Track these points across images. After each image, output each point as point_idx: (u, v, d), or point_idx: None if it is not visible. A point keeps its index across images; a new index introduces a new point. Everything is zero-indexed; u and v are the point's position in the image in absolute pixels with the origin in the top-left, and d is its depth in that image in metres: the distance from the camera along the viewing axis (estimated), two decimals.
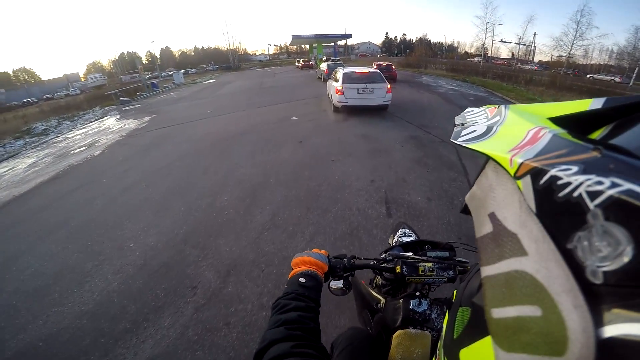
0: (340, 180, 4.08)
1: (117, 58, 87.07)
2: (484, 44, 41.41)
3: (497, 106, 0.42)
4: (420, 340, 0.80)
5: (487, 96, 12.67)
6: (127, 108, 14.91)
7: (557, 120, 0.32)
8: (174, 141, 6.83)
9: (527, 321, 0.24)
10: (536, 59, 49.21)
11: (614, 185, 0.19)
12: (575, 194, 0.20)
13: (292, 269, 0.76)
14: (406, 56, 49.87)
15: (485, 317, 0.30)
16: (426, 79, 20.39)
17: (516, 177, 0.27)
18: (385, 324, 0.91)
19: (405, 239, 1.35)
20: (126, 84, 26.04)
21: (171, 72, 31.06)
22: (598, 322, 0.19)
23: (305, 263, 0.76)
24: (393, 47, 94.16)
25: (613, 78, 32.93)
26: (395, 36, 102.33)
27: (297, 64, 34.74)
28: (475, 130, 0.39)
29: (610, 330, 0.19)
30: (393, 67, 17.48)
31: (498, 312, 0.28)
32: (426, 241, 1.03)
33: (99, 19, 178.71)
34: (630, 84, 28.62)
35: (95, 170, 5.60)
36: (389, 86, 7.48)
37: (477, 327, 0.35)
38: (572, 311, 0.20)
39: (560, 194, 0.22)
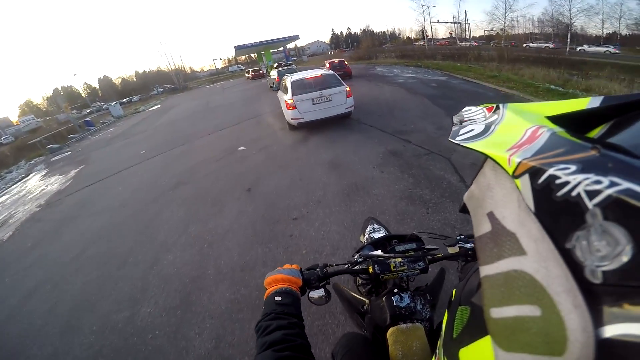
0: (308, 257, 2.76)
1: (51, 94, 79.80)
2: (423, 28, 42.47)
3: (495, 105, 0.42)
4: (414, 333, 0.80)
5: (447, 80, 12.02)
6: (56, 158, 12.91)
7: (555, 119, 0.31)
8: (92, 211, 5.24)
9: (526, 321, 0.24)
10: (472, 35, 51.30)
11: (612, 184, 0.19)
12: (574, 193, 0.20)
13: (267, 289, 0.75)
14: (355, 49, 49.72)
15: (485, 316, 0.29)
16: (380, 69, 19.76)
17: (514, 176, 0.27)
18: (376, 324, 0.90)
19: (376, 235, 1.32)
20: (64, 123, 22.68)
21: (106, 105, 27.85)
22: (597, 322, 0.19)
23: (278, 281, 0.76)
24: (341, 42, 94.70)
25: (547, 45, 34.49)
26: (341, 31, 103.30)
27: (246, 74, 32.85)
28: (473, 129, 0.38)
29: (610, 330, 0.19)
30: (346, 63, 16.58)
31: (497, 312, 0.28)
32: (393, 236, 1.02)
33: (28, 54, 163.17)
34: (568, 49, 30.23)
35: None
36: (347, 88, 6.25)
37: (477, 327, 0.34)
38: (571, 311, 0.20)
39: (559, 193, 0.22)
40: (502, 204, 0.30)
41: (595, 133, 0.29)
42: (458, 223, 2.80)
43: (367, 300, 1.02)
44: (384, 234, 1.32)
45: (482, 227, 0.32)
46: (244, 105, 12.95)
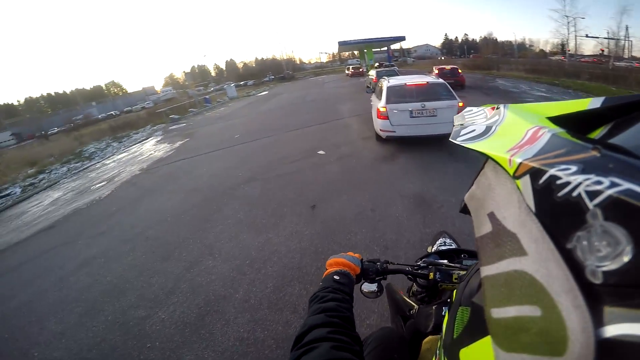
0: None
1: (189, 71, 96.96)
2: (567, 40, 34.95)
3: (496, 105, 0.42)
4: None
5: None
6: (173, 127, 15.17)
7: (556, 120, 0.32)
8: (173, 187, 5.63)
9: (526, 321, 0.24)
10: (631, 55, 39.58)
11: (613, 184, 0.19)
12: (575, 193, 0.20)
13: (326, 269, 0.79)
14: (472, 57, 44.45)
15: (485, 317, 0.30)
16: (502, 82, 16.90)
17: (515, 176, 0.27)
18: (416, 330, 0.90)
19: (443, 248, 1.31)
20: (191, 97, 26.96)
21: (229, 85, 31.66)
22: (598, 322, 0.19)
23: (339, 264, 0.80)
24: (454, 49, 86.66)
25: None
26: (456, 37, 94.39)
27: (347, 71, 32.92)
28: (474, 130, 0.39)
29: (610, 330, 0.19)
30: (460, 71, 14.56)
31: (498, 312, 0.28)
32: (463, 250, 1.01)
33: (176, 35, 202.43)
34: None
35: (78, 226, 4.84)
36: (460, 103, 5.03)
37: (477, 327, 0.35)
38: (571, 311, 0.20)
39: (560, 194, 0.22)
40: (502, 204, 0.30)
41: (596, 134, 0.29)
42: None
43: (416, 306, 1.00)
44: (453, 247, 1.30)
45: (483, 228, 0.33)
46: (336, 103, 12.68)
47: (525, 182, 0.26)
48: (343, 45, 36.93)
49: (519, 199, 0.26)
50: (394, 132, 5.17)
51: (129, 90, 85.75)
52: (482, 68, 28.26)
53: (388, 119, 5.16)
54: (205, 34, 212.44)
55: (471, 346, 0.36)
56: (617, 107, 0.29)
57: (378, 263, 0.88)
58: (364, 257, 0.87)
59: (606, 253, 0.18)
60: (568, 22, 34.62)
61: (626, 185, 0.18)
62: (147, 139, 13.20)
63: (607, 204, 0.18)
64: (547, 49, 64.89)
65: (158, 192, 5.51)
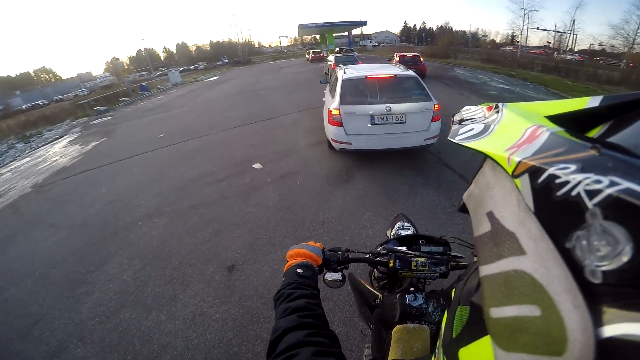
0: None
1: (134, 55, 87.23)
2: (521, 32, 36.44)
3: (494, 104, 0.41)
4: (419, 334, 0.81)
5: None
6: (95, 121, 12.81)
7: (554, 119, 0.31)
8: (57, 219, 4.05)
9: (526, 321, 0.24)
10: (575, 48, 42.73)
11: (612, 183, 0.19)
12: (574, 192, 0.20)
13: (287, 262, 0.76)
14: (429, 45, 44.76)
15: (484, 316, 0.29)
16: (461, 72, 16.45)
17: (514, 175, 0.27)
18: (384, 320, 0.91)
19: (404, 232, 1.30)
20: (132, 82, 23.21)
21: (171, 70, 28.28)
22: (597, 322, 0.19)
23: (300, 255, 0.77)
24: (413, 36, 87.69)
25: None
26: (414, 24, 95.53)
27: (307, 56, 31.21)
28: (472, 129, 0.38)
29: (610, 330, 0.19)
30: (421, 59, 13.66)
31: (497, 312, 0.27)
32: (421, 236, 0.98)
33: (117, 16, 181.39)
34: None
35: None
36: (436, 105, 3.77)
37: (476, 326, 0.34)
38: (571, 311, 0.20)
39: (559, 193, 0.22)
40: (501, 203, 0.29)
41: (594, 132, 0.29)
42: None
43: (380, 295, 1.01)
44: (412, 232, 1.27)
45: (481, 227, 0.32)
46: (289, 93, 11.16)
47: (524, 181, 0.25)
48: (303, 28, 35.14)
49: (517, 198, 0.26)
50: (350, 143, 3.81)
51: (64, 77, 75.52)
52: (440, 56, 28.17)
53: (342, 125, 3.78)
54: (155, 16, 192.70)
55: (470, 345, 0.35)
56: (616, 105, 0.28)
57: (339, 252, 0.87)
58: (325, 246, 0.85)
59: (605, 252, 0.18)
60: (524, 14, 35.79)
61: (625, 184, 0.18)
62: (60, 138, 10.82)
63: (607, 203, 0.18)
64: (498, 39, 68.07)
65: (39, 225, 3.95)
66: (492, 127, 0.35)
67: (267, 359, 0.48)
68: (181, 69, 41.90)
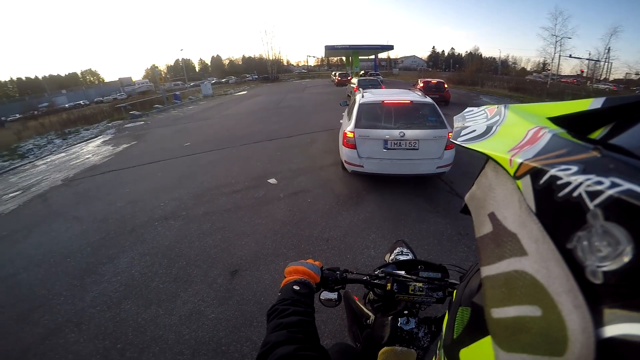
0: None
1: (172, 64, 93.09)
2: (546, 60, 35.69)
3: (496, 106, 0.42)
4: (405, 358, 0.80)
5: None
6: (129, 125, 13.73)
7: (556, 120, 0.32)
8: (80, 213, 4.36)
9: (527, 321, 0.24)
10: (610, 77, 41.06)
11: (613, 185, 0.19)
12: (575, 193, 0.20)
13: (285, 277, 0.76)
14: (457, 71, 44.74)
15: (485, 317, 0.30)
16: (487, 100, 16.39)
17: (516, 177, 0.27)
18: (373, 340, 0.92)
19: (402, 257, 1.32)
20: (167, 90, 24.84)
21: (204, 82, 29.83)
22: (598, 322, 0.19)
23: (298, 272, 0.77)
24: (440, 62, 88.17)
25: None
26: (443, 50, 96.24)
27: (333, 77, 30.96)
28: (475, 130, 0.38)
29: (610, 330, 0.19)
30: (445, 86, 13.74)
31: (498, 312, 0.28)
32: (420, 261, 0.99)
33: (162, 26, 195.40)
34: None
35: None
36: (450, 132, 3.69)
37: (477, 327, 0.35)
38: (572, 311, 0.20)
39: (560, 194, 0.22)
40: (503, 204, 0.30)
41: (597, 134, 0.29)
42: None
43: (372, 315, 1.03)
44: (411, 258, 1.29)
45: (483, 228, 0.32)
46: (312, 113, 11.47)
47: (525, 182, 0.25)
48: (330, 49, 36.02)
49: (519, 199, 0.26)
50: (362, 166, 3.91)
51: (107, 80, 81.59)
52: (466, 83, 28.08)
53: (355, 148, 3.91)
54: (194, 28, 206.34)
55: (471, 346, 0.35)
56: (618, 107, 0.28)
57: (338, 272, 0.87)
58: (324, 264, 0.86)
59: (606, 253, 0.18)
60: (556, 41, 35.00)
61: (627, 185, 0.18)
62: (95, 137, 11.66)
63: (608, 204, 0.18)
64: (529, 67, 67.04)
65: (62, 217, 4.27)
66: (494, 128, 0.35)
67: None
68: (213, 81, 44.30)
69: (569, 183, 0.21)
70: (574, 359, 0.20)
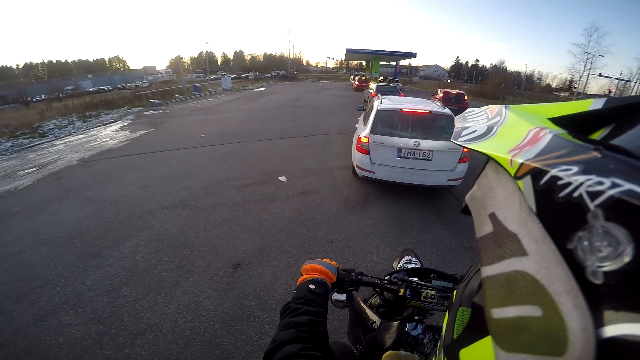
0: None
1: (196, 56, 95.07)
2: (573, 78, 34.63)
3: (497, 106, 0.41)
4: None
5: None
6: (148, 112, 13.93)
7: (557, 121, 0.31)
8: (92, 194, 4.45)
9: (527, 321, 0.24)
10: None
11: (614, 185, 0.19)
12: (576, 194, 0.20)
13: (302, 275, 0.76)
14: (479, 83, 43.92)
15: (485, 317, 0.29)
16: None
17: (516, 177, 0.27)
18: (376, 344, 0.92)
19: (410, 265, 1.32)
20: (188, 81, 25.21)
21: (224, 75, 30.28)
22: (598, 323, 0.19)
23: (315, 271, 0.77)
24: (463, 73, 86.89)
25: None
26: (467, 61, 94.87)
27: (351, 81, 30.62)
28: (475, 131, 0.38)
29: (611, 331, 0.19)
30: (465, 98, 13.53)
31: (498, 312, 0.28)
32: (432, 270, 1.00)
33: (190, 17, 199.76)
34: None
35: None
36: (465, 147, 3.66)
37: (477, 327, 0.34)
38: (572, 311, 0.20)
39: (561, 194, 0.22)
40: (504, 205, 0.29)
41: (597, 135, 0.29)
42: None
43: (378, 320, 1.01)
44: (420, 266, 1.30)
45: (484, 228, 0.32)
46: (327, 114, 11.47)
47: (526, 183, 0.25)
48: (351, 52, 35.94)
49: (520, 199, 0.26)
50: (373, 172, 3.89)
51: (132, 67, 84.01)
52: (487, 96, 27.59)
53: (368, 153, 3.89)
54: (219, 22, 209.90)
55: (471, 346, 0.35)
56: (619, 108, 0.28)
57: (353, 274, 0.88)
58: (340, 265, 0.86)
59: (607, 253, 0.18)
60: (587, 59, 33.95)
61: (627, 185, 0.18)
62: (115, 122, 11.89)
63: (608, 204, 0.18)
64: (554, 84, 65.28)
65: (74, 196, 4.37)
66: (495, 129, 0.35)
67: None
68: (233, 76, 44.89)
69: (569, 183, 0.21)
70: (574, 359, 0.20)
